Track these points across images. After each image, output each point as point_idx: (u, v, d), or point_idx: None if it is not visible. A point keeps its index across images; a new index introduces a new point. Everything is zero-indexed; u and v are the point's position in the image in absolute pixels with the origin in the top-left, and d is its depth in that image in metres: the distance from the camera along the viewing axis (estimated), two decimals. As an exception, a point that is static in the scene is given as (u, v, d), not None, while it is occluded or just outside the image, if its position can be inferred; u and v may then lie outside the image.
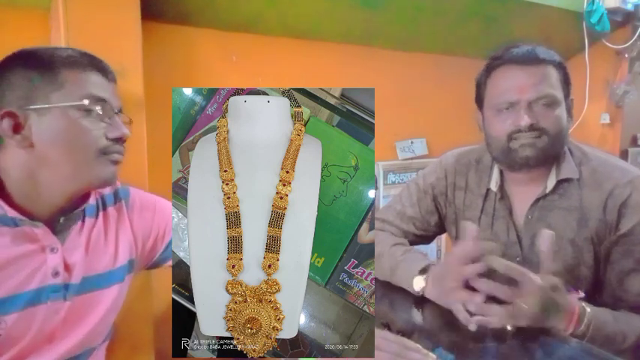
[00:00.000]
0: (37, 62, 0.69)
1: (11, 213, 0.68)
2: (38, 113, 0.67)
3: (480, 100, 0.98)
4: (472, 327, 0.75)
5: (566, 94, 0.91)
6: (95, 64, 0.72)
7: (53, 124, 0.68)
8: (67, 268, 0.74)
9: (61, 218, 0.74)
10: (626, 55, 2.09)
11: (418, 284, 0.88)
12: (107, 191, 0.84)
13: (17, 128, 0.67)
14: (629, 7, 1.98)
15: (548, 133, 0.87)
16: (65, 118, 0.68)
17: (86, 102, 0.69)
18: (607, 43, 2.06)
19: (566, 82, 0.91)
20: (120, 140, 0.73)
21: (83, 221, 0.78)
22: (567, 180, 0.91)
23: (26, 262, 0.70)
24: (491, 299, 0.75)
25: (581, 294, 0.78)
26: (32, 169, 0.69)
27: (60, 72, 0.69)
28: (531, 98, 0.86)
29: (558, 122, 0.88)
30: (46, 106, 0.67)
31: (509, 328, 0.73)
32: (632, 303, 0.84)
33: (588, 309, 0.77)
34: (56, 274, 0.72)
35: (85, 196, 0.78)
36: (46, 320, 0.72)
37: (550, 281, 0.74)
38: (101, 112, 0.71)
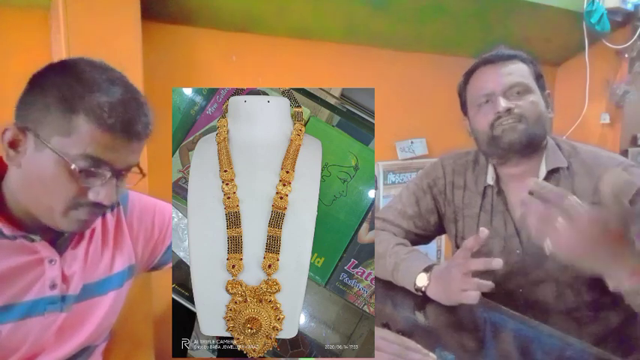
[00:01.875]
0: (66, 94, 0.61)
1: (7, 230, 0.67)
2: (36, 143, 0.63)
3: (464, 106, 1.06)
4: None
5: (541, 87, 0.98)
6: (127, 130, 0.64)
7: (41, 160, 0.63)
8: (65, 279, 0.73)
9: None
10: (626, 55, 2.09)
11: (421, 281, 0.91)
12: None
13: (14, 145, 0.64)
14: (629, 7, 1.98)
15: (527, 118, 0.93)
16: (55, 163, 0.63)
17: (73, 166, 0.62)
18: (607, 43, 2.06)
19: (538, 76, 0.98)
20: (98, 205, 0.67)
21: None
22: (557, 171, 0.96)
23: (24, 274, 0.69)
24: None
25: None
26: (19, 185, 0.67)
27: (77, 118, 0.61)
28: (505, 87, 0.95)
29: (535, 107, 0.94)
30: (44, 143, 0.62)
31: (548, 248, 0.65)
32: None
33: None
34: (54, 286, 0.71)
35: None
36: (41, 331, 0.71)
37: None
38: (94, 175, 0.64)
